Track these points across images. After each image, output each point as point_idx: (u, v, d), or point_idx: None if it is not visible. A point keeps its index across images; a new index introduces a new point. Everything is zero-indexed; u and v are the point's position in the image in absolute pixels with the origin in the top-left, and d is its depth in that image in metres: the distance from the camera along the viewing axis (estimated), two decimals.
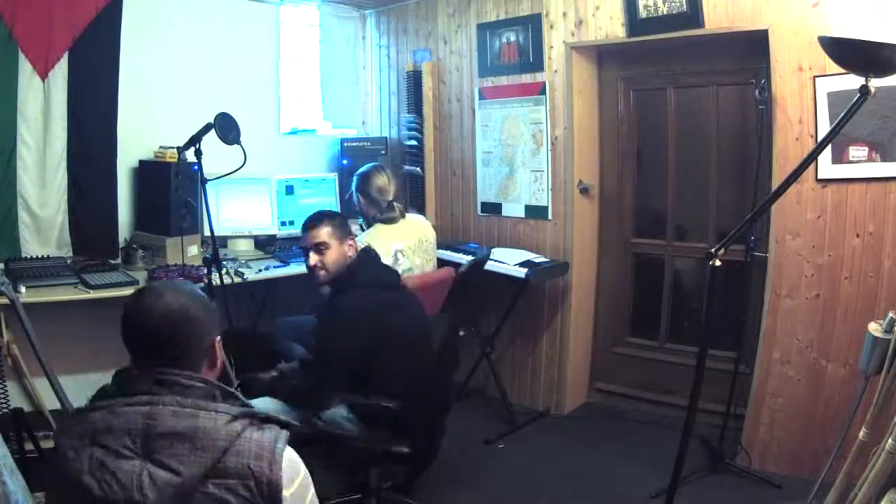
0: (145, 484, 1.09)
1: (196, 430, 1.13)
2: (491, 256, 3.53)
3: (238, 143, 2.77)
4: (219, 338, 1.30)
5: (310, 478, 1.23)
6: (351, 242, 2.47)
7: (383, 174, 3.18)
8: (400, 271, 3.02)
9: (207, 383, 1.22)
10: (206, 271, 3.05)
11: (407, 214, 3.22)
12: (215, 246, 2.77)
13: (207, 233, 3.57)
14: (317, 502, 1.24)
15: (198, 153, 2.73)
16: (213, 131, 2.73)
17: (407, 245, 3.10)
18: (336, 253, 2.41)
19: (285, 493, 1.15)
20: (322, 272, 2.42)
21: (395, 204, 3.15)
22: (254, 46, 4.03)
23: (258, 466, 1.13)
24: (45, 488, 1.32)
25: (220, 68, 3.82)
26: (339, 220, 2.49)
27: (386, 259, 3.03)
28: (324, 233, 2.41)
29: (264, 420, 1.21)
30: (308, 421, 2.33)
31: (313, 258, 2.41)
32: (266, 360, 3.37)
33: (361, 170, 3.26)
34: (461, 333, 2.26)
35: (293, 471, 1.18)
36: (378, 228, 3.11)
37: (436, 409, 2.39)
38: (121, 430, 1.13)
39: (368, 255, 2.54)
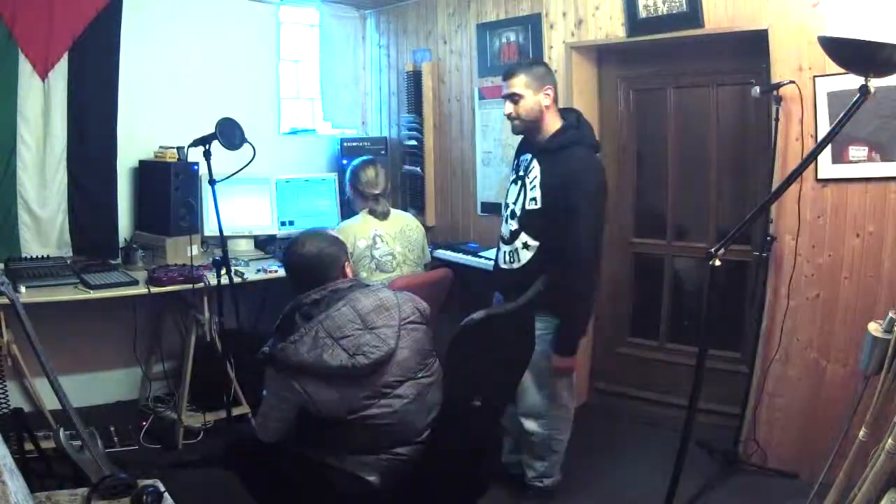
0: (381, 341, 1.86)
1: (381, 301, 1.93)
2: (491, 257, 3.53)
3: (245, 142, 2.78)
4: (348, 261, 2.07)
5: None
6: (548, 92, 2.48)
7: (372, 168, 3.23)
8: (378, 255, 3.06)
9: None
10: (205, 272, 3.07)
11: (392, 210, 3.26)
12: (225, 247, 2.78)
13: (208, 233, 3.61)
14: None
15: (207, 154, 2.74)
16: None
17: (386, 231, 3.15)
18: (530, 102, 2.47)
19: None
20: (516, 122, 2.53)
21: (380, 199, 3.19)
22: (254, 46, 4.03)
23: (416, 305, 2.02)
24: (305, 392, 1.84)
25: (219, 68, 3.83)
26: (537, 70, 2.50)
27: (364, 242, 3.08)
28: (517, 82, 2.47)
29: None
30: None
31: (508, 107, 2.52)
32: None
33: (354, 162, 3.32)
34: (476, 404, 1.87)
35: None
36: (363, 214, 3.18)
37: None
38: (346, 322, 1.87)
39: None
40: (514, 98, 2.48)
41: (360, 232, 3.10)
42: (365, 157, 3.39)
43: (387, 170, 3.41)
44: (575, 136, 2.48)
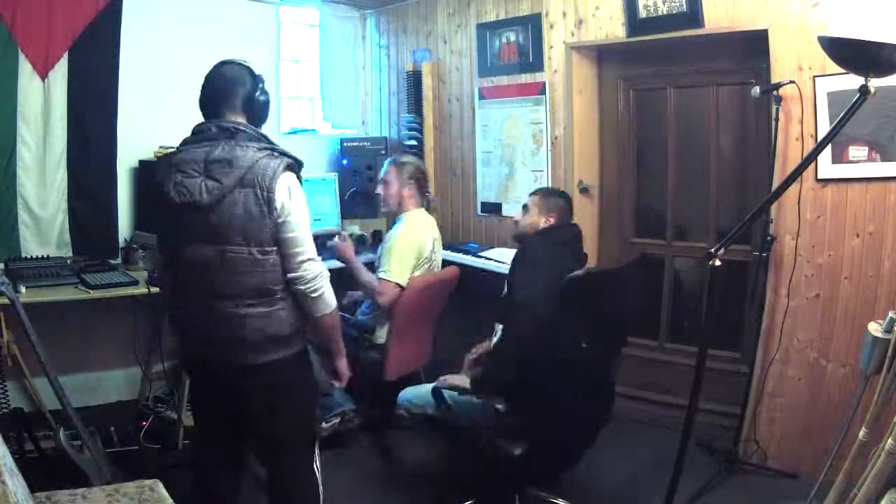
0: (202, 189, 1.80)
1: (234, 157, 1.81)
2: (490, 256, 3.54)
3: None
4: (258, 93, 1.95)
5: (301, 205, 1.88)
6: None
7: (414, 159, 3.24)
8: (435, 259, 3.10)
9: (247, 128, 1.89)
10: None
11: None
12: None
13: None
14: (306, 231, 1.89)
15: None
16: None
17: (435, 237, 3.14)
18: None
19: (279, 200, 1.81)
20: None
21: (427, 194, 3.21)
22: (254, 46, 4.02)
23: (262, 179, 1.80)
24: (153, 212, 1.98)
25: None
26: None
27: (428, 246, 3.05)
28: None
29: (281, 153, 1.88)
30: (438, 406, 2.42)
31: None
32: None
33: (407, 157, 3.25)
34: (584, 345, 2.15)
35: (285, 187, 1.84)
36: (417, 212, 3.13)
37: (564, 415, 2.26)
38: (191, 161, 1.84)
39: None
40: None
41: (425, 232, 3.06)
42: (400, 154, 3.38)
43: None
44: None
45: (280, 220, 1.83)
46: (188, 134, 1.98)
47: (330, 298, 1.95)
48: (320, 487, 2.18)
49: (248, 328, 1.87)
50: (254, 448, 2.27)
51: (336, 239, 3.11)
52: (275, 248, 1.86)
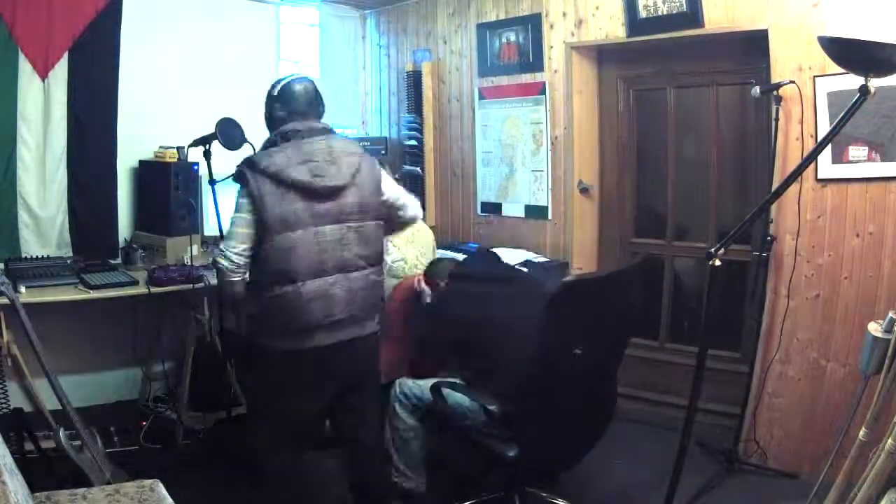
0: (338, 173, 2.10)
1: (347, 149, 2.18)
2: None
3: (245, 142, 2.78)
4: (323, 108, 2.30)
5: (392, 181, 2.38)
6: None
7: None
8: (390, 262, 3.05)
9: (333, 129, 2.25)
10: (205, 272, 3.06)
11: None
12: None
13: (208, 233, 3.60)
14: (396, 188, 2.37)
15: (207, 154, 2.74)
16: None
17: (398, 236, 3.12)
18: None
19: (383, 185, 2.28)
20: None
21: None
22: (254, 46, 4.03)
23: (371, 166, 2.24)
24: (255, 199, 2.05)
25: (220, 68, 3.83)
26: None
27: (400, 266, 3.09)
28: None
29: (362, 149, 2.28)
30: (435, 402, 2.47)
31: None
32: None
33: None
34: (577, 352, 2.16)
35: (383, 172, 2.31)
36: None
37: (554, 418, 2.27)
38: (317, 151, 2.10)
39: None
40: None
41: (406, 248, 3.10)
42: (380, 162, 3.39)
43: (394, 170, 3.39)
44: None
45: (386, 198, 2.26)
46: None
47: None
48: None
49: (373, 295, 2.22)
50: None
51: None
52: (382, 222, 2.25)
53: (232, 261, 2.08)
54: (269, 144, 2.15)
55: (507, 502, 2.52)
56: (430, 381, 2.53)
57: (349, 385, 2.24)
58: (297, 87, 2.19)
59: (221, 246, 2.13)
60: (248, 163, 2.08)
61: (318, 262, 2.07)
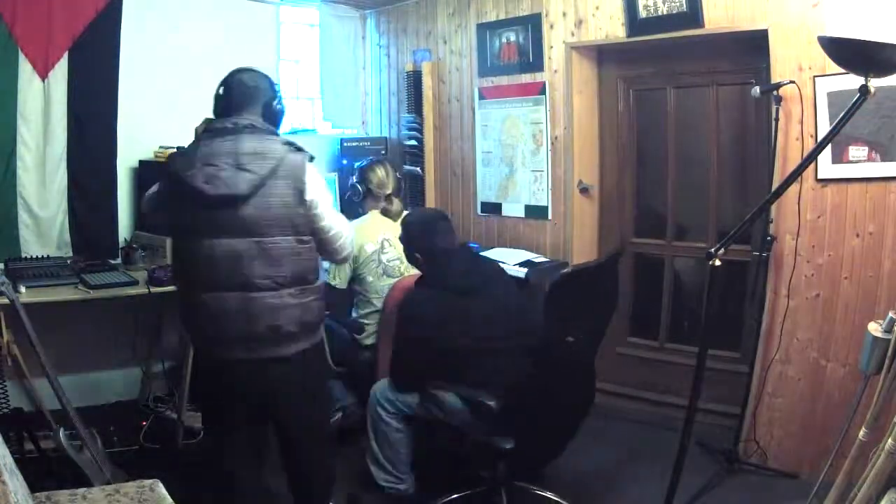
0: (239, 180, 1.86)
1: (265, 150, 1.90)
2: (491, 256, 3.52)
3: None
4: (276, 101, 2.07)
5: (325, 192, 2.03)
6: None
7: (382, 168, 3.22)
8: (385, 260, 3.06)
9: (263, 125, 2.00)
10: None
11: (405, 211, 3.25)
12: None
13: None
14: (333, 213, 2.07)
15: None
16: None
17: (395, 235, 3.11)
18: None
19: (309, 193, 1.95)
20: None
21: (393, 198, 3.19)
22: (254, 46, 4.03)
23: (293, 171, 1.92)
24: (161, 202, 2.04)
25: (220, 68, 3.80)
26: None
27: (371, 246, 3.07)
28: None
29: (298, 148, 1.98)
30: (422, 405, 2.47)
31: None
32: None
33: (362, 163, 3.31)
34: (569, 339, 2.23)
35: (312, 180, 1.97)
36: (372, 214, 3.18)
37: (547, 409, 2.31)
38: (220, 154, 1.88)
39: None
40: None
41: (369, 235, 3.08)
42: (373, 158, 3.39)
43: (395, 168, 3.40)
44: None
45: (312, 212, 1.97)
46: (190, 133, 1.99)
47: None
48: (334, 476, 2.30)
49: (284, 317, 1.95)
50: (273, 439, 2.28)
51: None
52: (311, 237, 2.00)
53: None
54: (198, 139, 2.01)
55: (494, 496, 2.53)
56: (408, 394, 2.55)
57: (262, 405, 2.10)
58: (235, 79, 2.06)
59: None
60: (170, 156, 2.06)
61: (209, 276, 1.92)
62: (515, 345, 2.39)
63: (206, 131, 1.98)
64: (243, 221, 1.89)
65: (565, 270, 2.55)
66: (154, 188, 2.13)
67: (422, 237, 2.60)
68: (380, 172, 3.19)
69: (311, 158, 2.01)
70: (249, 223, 1.89)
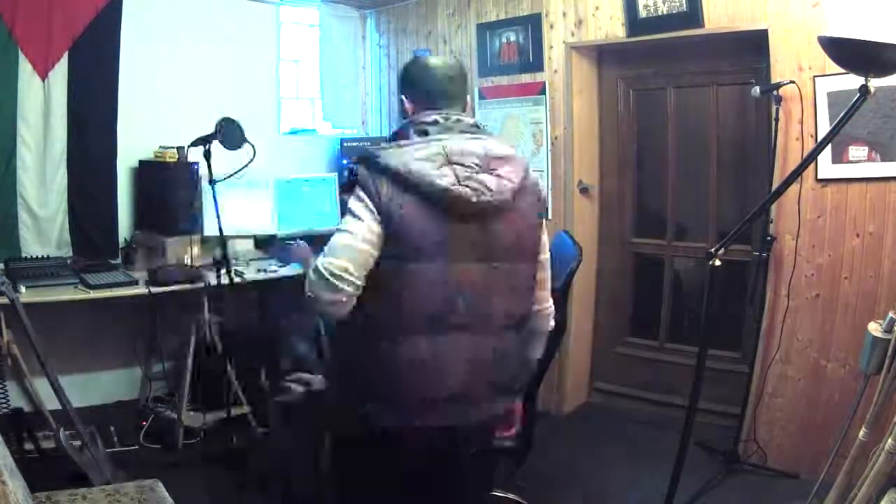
0: (495, 186, 1.50)
1: (510, 155, 1.58)
2: None
3: (245, 142, 2.78)
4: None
5: None
6: None
7: None
8: None
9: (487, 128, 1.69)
10: (206, 271, 3.07)
11: None
12: (224, 247, 2.78)
13: (208, 233, 3.60)
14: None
15: (207, 154, 2.74)
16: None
17: None
18: None
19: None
20: None
21: None
22: (254, 46, 4.03)
23: (536, 185, 1.62)
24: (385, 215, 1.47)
25: (220, 68, 3.83)
26: None
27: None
28: None
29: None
30: None
31: None
32: (266, 362, 3.38)
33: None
34: None
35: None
36: None
37: None
38: (469, 153, 1.51)
39: None
40: None
41: None
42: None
43: None
44: None
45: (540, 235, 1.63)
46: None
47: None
48: None
49: (508, 370, 1.58)
50: None
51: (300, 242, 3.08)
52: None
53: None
54: (395, 137, 1.60)
55: None
56: None
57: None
58: (436, 70, 1.65)
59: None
60: (364, 159, 1.53)
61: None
62: None
63: (427, 125, 1.56)
64: (482, 238, 1.51)
65: None
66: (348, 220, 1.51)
67: None
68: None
69: None
70: (492, 242, 1.52)
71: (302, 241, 2.27)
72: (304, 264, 2.53)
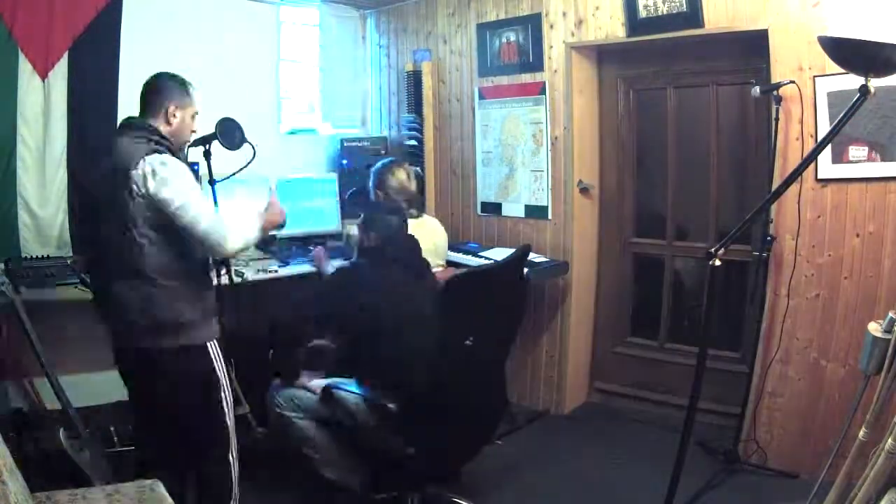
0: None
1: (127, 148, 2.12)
2: (491, 256, 3.53)
3: (245, 142, 2.78)
4: (173, 107, 2.27)
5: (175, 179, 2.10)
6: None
7: (402, 170, 3.16)
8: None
9: (154, 130, 2.19)
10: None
11: (423, 215, 3.20)
12: None
13: None
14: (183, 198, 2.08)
15: (207, 154, 2.74)
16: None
17: (424, 246, 3.09)
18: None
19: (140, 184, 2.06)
20: None
21: (413, 205, 3.13)
22: (254, 46, 4.03)
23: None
24: None
25: (220, 68, 3.82)
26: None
27: None
28: None
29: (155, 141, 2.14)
30: (324, 398, 2.40)
31: None
32: (266, 361, 3.38)
33: (379, 164, 3.22)
34: (468, 343, 2.19)
35: (151, 168, 2.07)
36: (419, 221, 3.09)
37: (449, 413, 2.26)
38: None
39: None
40: None
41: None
42: (391, 159, 3.28)
43: (416, 171, 3.29)
44: None
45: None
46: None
47: (228, 234, 2.13)
48: None
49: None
50: None
51: (319, 248, 3.08)
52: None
53: None
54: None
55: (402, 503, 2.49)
56: (307, 394, 2.49)
57: None
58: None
59: None
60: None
61: None
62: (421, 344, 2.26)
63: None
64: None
65: (458, 272, 2.55)
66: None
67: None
68: (400, 175, 3.09)
69: (161, 149, 2.19)
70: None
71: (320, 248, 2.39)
72: (319, 265, 2.96)
